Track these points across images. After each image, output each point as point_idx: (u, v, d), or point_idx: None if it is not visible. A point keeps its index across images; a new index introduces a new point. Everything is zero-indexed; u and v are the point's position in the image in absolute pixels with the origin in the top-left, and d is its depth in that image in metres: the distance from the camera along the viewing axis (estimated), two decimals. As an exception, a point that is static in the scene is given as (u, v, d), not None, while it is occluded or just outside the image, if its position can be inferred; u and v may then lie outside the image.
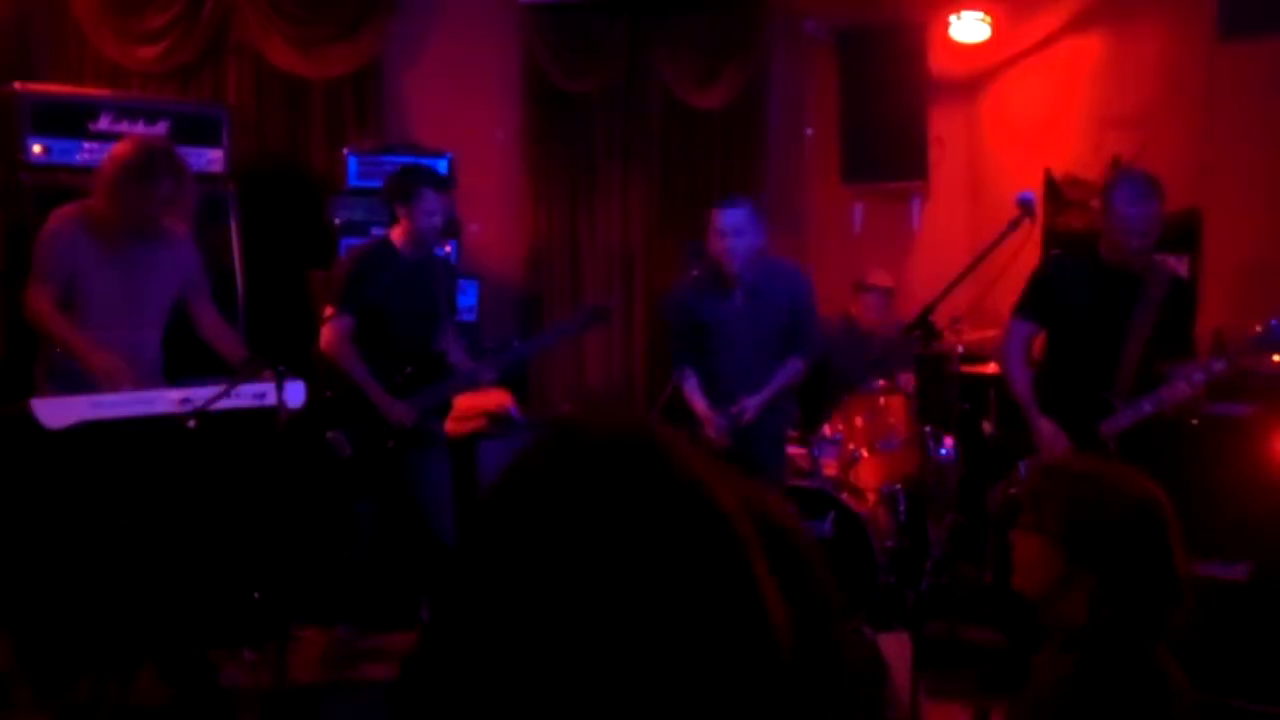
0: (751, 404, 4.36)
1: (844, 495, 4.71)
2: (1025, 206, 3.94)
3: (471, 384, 4.45)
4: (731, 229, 4.27)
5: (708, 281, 4.43)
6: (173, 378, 3.95)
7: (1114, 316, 3.95)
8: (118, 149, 3.83)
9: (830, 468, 4.96)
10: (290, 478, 4.42)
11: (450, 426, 4.73)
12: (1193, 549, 4.24)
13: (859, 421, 4.98)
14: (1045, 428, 4.03)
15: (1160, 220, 3.89)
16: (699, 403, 4.44)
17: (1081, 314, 4.05)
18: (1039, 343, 4.23)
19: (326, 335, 4.25)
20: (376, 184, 5.16)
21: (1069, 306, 4.07)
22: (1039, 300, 4.14)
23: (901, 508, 4.93)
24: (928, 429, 4.99)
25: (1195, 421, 4.40)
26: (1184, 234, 4.95)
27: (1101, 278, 3.99)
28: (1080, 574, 1.97)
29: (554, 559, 0.77)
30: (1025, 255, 4.22)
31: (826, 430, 5.05)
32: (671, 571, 0.77)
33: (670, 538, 0.77)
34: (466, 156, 5.54)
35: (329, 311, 4.28)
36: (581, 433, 0.84)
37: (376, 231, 4.85)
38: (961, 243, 6.27)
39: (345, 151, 5.23)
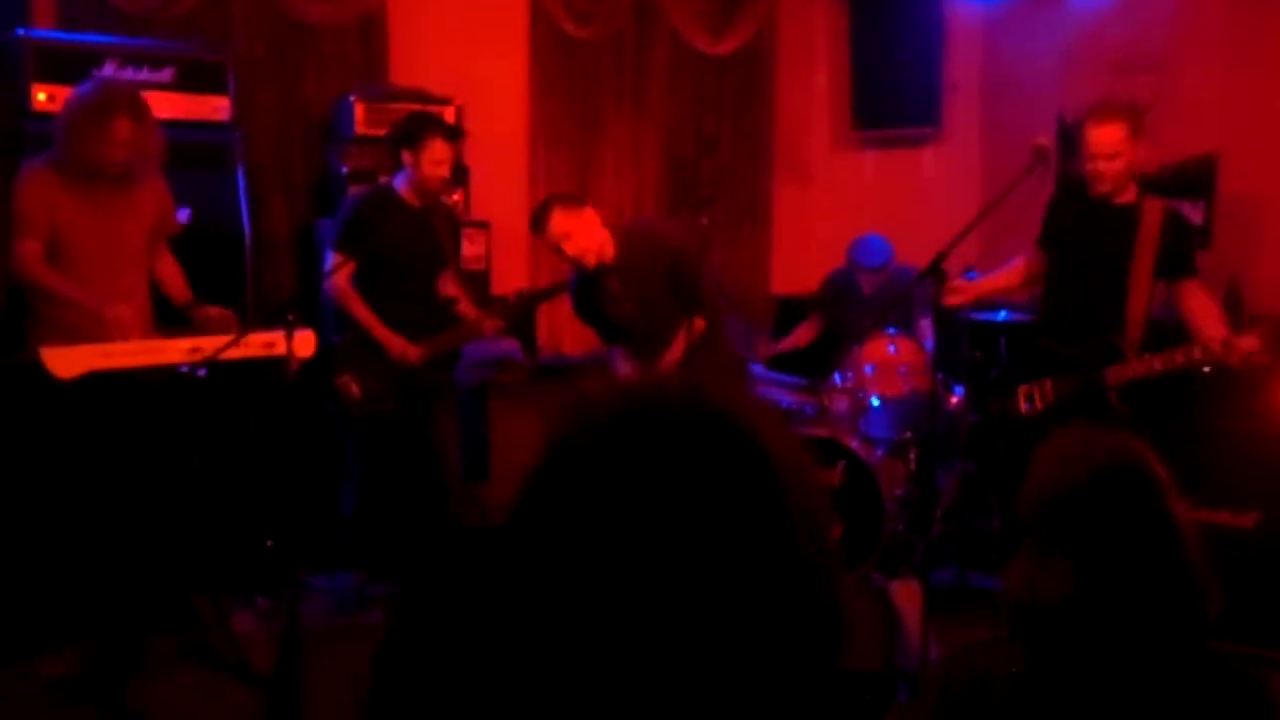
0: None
1: (854, 444, 4.70)
2: (1039, 154, 3.90)
3: (477, 333, 4.42)
4: (565, 234, 4.15)
5: (583, 282, 4.35)
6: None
7: (1112, 254, 3.89)
8: (74, 93, 3.81)
9: (841, 416, 4.95)
10: (300, 425, 4.43)
11: (461, 377, 4.73)
12: (1203, 497, 4.24)
13: (869, 369, 4.97)
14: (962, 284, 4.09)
15: (1127, 142, 3.78)
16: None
17: (1076, 250, 4.01)
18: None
19: (330, 279, 4.26)
20: (383, 131, 5.13)
21: (1063, 242, 4.05)
22: (1045, 229, 4.14)
23: (911, 456, 4.93)
24: (939, 377, 4.97)
25: (1207, 370, 4.38)
26: (1200, 179, 4.90)
27: (1094, 214, 3.95)
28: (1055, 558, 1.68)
29: (629, 519, 0.78)
30: (1039, 203, 4.19)
31: (837, 378, 5.03)
32: (743, 542, 0.78)
33: (745, 506, 0.79)
34: (474, 103, 5.49)
35: (335, 258, 4.27)
36: (656, 401, 0.84)
37: (384, 180, 4.83)
38: (974, 190, 6.22)
39: (351, 98, 5.18)
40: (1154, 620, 1.65)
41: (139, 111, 3.77)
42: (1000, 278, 4.27)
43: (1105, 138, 3.80)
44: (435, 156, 4.23)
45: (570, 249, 4.15)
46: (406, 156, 4.27)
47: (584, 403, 0.84)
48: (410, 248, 4.30)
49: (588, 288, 4.34)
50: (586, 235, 4.18)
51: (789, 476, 0.81)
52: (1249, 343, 3.64)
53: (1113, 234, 3.88)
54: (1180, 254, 3.87)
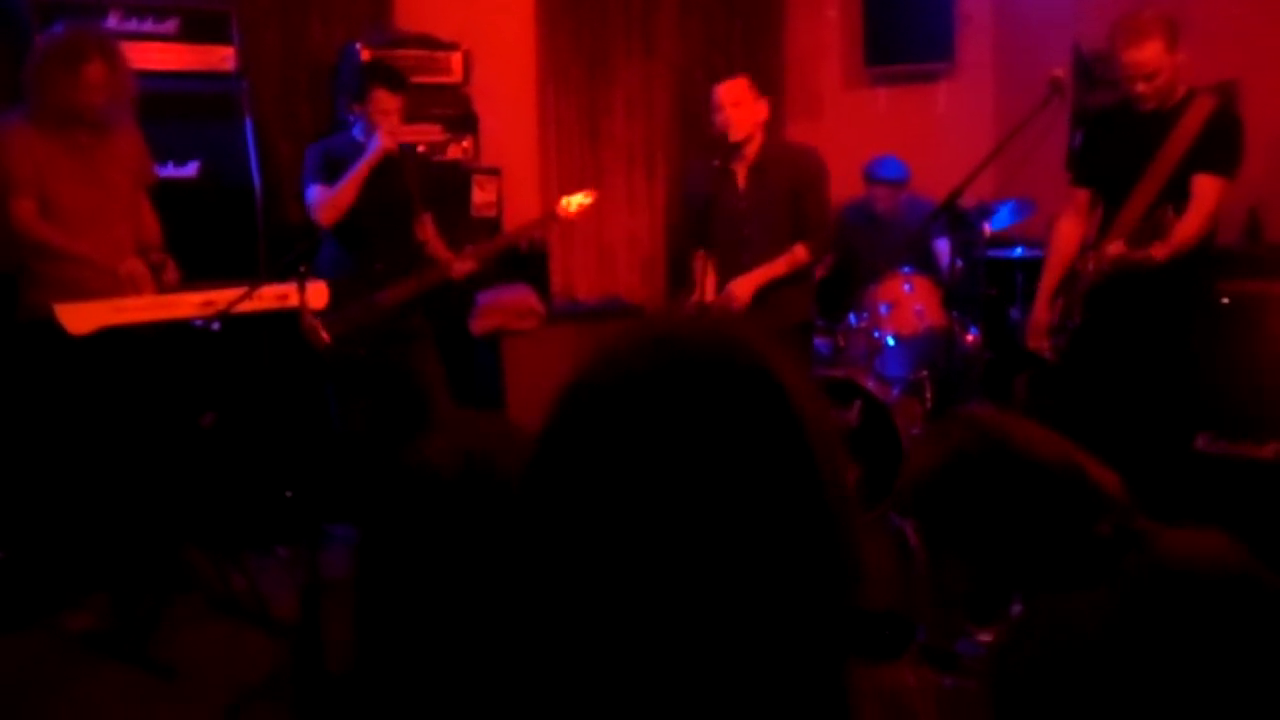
0: (740, 287, 4.31)
1: (870, 383, 4.69)
2: (1055, 86, 3.83)
3: (447, 275, 4.38)
4: (730, 100, 4.25)
5: (715, 161, 4.39)
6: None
7: (1133, 163, 3.73)
8: (44, 38, 3.76)
9: (856, 356, 4.93)
10: (313, 375, 4.43)
11: (475, 325, 4.72)
12: (1224, 428, 4.22)
13: (884, 309, 4.93)
14: (1034, 317, 3.95)
15: (1165, 55, 3.60)
16: (701, 282, 4.43)
17: (1107, 164, 3.86)
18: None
19: (312, 202, 4.28)
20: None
21: (1099, 161, 3.90)
22: (1079, 160, 4.00)
23: (928, 395, 4.91)
24: (954, 315, 4.94)
25: (1226, 300, 4.33)
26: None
27: (1131, 124, 3.77)
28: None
29: (655, 463, 0.78)
30: (1054, 137, 4.12)
31: (852, 318, 5.01)
32: (764, 486, 0.79)
33: (772, 456, 0.80)
34: (481, 48, 5.43)
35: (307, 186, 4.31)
36: (686, 342, 0.83)
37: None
38: (989, 126, 6.14)
39: (357, 45, 5.13)
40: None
41: (110, 53, 3.72)
42: (1062, 246, 3.98)
43: (1142, 58, 3.60)
44: (381, 107, 4.23)
45: (729, 113, 4.26)
46: (356, 108, 4.30)
47: (607, 345, 0.84)
48: (377, 193, 4.26)
49: (710, 175, 4.37)
50: (749, 114, 4.28)
51: (811, 422, 0.81)
52: (1114, 247, 3.54)
53: (1141, 143, 3.71)
54: (1207, 148, 3.62)
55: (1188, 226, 3.52)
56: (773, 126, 6.48)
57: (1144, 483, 3.76)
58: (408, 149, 4.42)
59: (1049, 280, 3.97)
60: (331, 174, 4.26)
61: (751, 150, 4.33)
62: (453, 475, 1.12)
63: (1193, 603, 1.31)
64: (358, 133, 4.34)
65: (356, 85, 4.32)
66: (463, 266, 4.37)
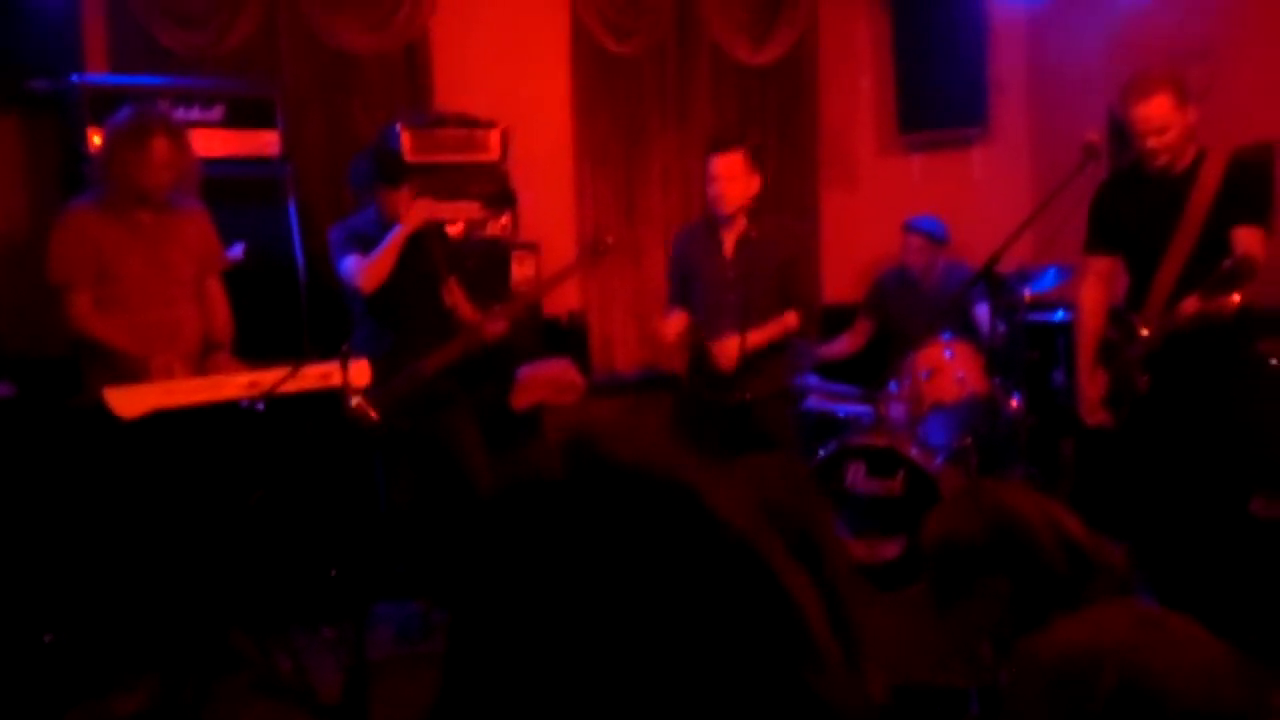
0: (728, 347, 4.31)
1: (913, 452, 4.65)
2: (1090, 150, 3.84)
3: (480, 337, 4.44)
4: (725, 174, 4.28)
5: (704, 229, 4.46)
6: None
7: (1159, 227, 3.70)
8: (111, 121, 3.88)
9: (898, 424, 4.90)
10: (358, 453, 4.46)
11: (516, 400, 4.75)
12: (1268, 490, 4.13)
13: (925, 375, 4.91)
14: (1084, 394, 3.91)
15: (1175, 111, 3.61)
16: (670, 328, 4.50)
17: (1131, 231, 3.85)
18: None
19: (345, 271, 4.38)
20: (431, 158, 5.18)
21: (1121, 226, 3.88)
22: (1096, 226, 3.99)
23: (972, 462, 4.86)
24: (996, 381, 4.90)
25: (1275, 361, 4.28)
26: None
27: (1147, 189, 3.77)
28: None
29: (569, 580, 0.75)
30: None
31: (893, 385, 4.99)
32: (707, 610, 0.75)
33: (711, 581, 0.76)
34: (519, 125, 5.52)
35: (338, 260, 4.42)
36: (614, 457, 0.81)
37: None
38: (1025, 191, 6.14)
39: (398, 126, 5.23)
40: None
41: (175, 132, 3.86)
42: (1091, 318, 3.99)
43: (1150, 112, 3.63)
44: (389, 201, 4.39)
45: (721, 187, 4.28)
46: (369, 200, 4.45)
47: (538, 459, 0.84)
48: (406, 265, 4.37)
49: (699, 241, 4.46)
50: (742, 190, 4.30)
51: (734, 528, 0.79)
52: (1190, 304, 3.47)
53: (1163, 206, 3.70)
54: (1236, 202, 3.60)
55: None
56: (802, 195, 6.56)
57: (1204, 546, 3.68)
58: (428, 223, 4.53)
59: (1086, 353, 3.95)
60: (361, 248, 4.36)
61: (741, 221, 4.38)
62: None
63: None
64: (373, 216, 4.44)
65: (361, 184, 4.47)
66: (494, 327, 4.44)
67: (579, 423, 0.98)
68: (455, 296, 4.58)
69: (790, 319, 4.43)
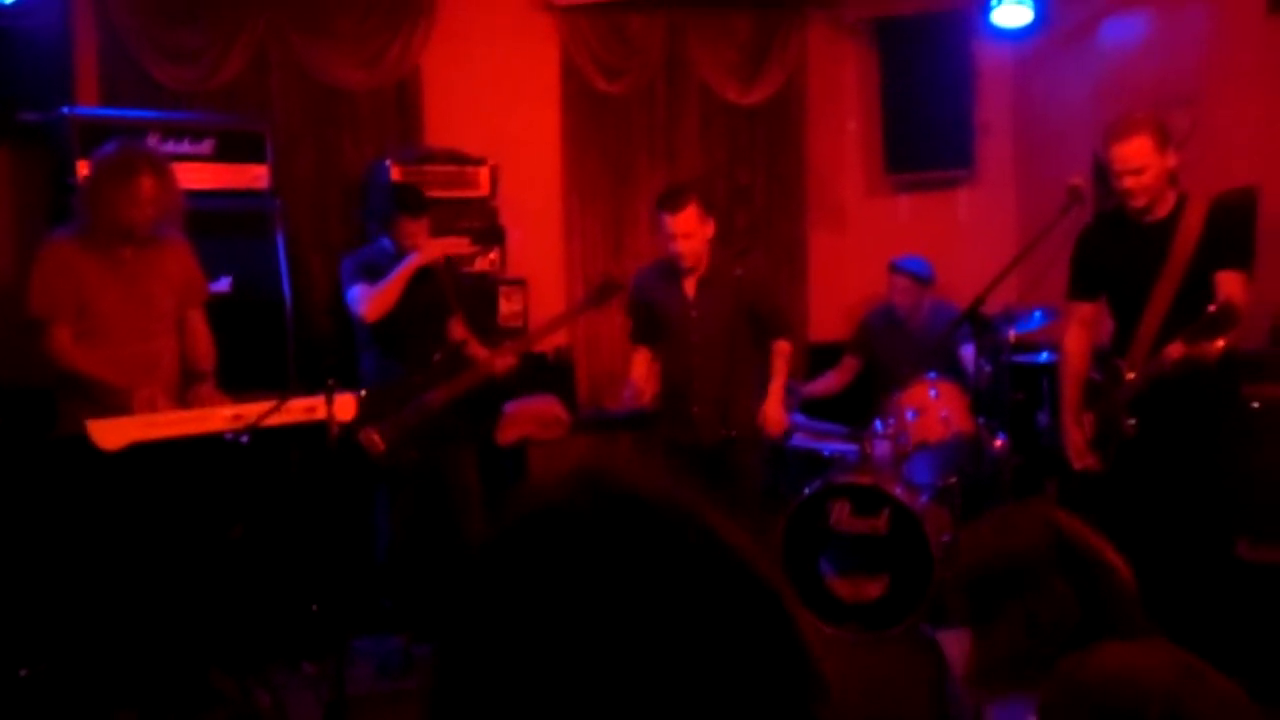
0: (775, 412, 4.47)
1: (898, 490, 4.66)
2: (1074, 194, 3.87)
3: (490, 372, 4.48)
4: (681, 232, 4.33)
5: (665, 270, 4.52)
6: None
7: (1143, 273, 3.73)
8: (96, 156, 3.89)
9: (883, 463, 4.91)
10: (341, 488, 4.45)
11: (501, 435, 4.75)
12: (1262, 533, 4.15)
13: (911, 415, 4.92)
14: (1070, 439, 3.93)
15: (1154, 154, 3.64)
16: (631, 374, 4.56)
17: (1115, 277, 3.88)
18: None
19: (354, 302, 4.42)
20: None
21: (1105, 272, 3.91)
22: (1079, 273, 4.02)
23: (957, 501, 4.87)
24: (981, 420, 4.92)
25: (1258, 405, 4.30)
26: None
27: (1129, 235, 3.80)
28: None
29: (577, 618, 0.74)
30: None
31: (878, 424, 4.99)
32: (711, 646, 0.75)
33: (717, 615, 0.76)
34: (508, 162, 5.55)
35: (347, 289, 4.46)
36: (620, 488, 0.81)
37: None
38: (1010, 232, 6.19)
39: (387, 162, 5.25)
40: None
41: (160, 169, 3.84)
42: (1076, 363, 4.02)
43: (1128, 153, 3.67)
44: (407, 231, 4.43)
45: (680, 245, 4.34)
46: (386, 232, 4.49)
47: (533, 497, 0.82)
48: (414, 297, 4.41)
49: (662, 283, 4.51)
50: (698, 243, 4.36)
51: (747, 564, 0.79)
52: (1174, 349, 3.49)
53: (1146, 252, 3.73)
54: (1219, 247, 3.64)
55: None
56: (790, 235, 6.60)
57: (1190, 589, 3.68)
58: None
59: (1071, 399, 3.98)
60: (371, 278, 4.39)
61: (701, 266, 4.45)
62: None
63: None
64: (388, 244, 4.47)
65: (382, 213, 4.51)
66: (504, 362, 4.48)
67: (590, 457, 0.97)
68: (462, 331, 4.62)
69: (784, 347, 4.53)
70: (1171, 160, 3.70)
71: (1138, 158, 3.66)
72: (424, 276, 4.42)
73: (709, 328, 4.44)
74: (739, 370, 4.50)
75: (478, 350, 4.56)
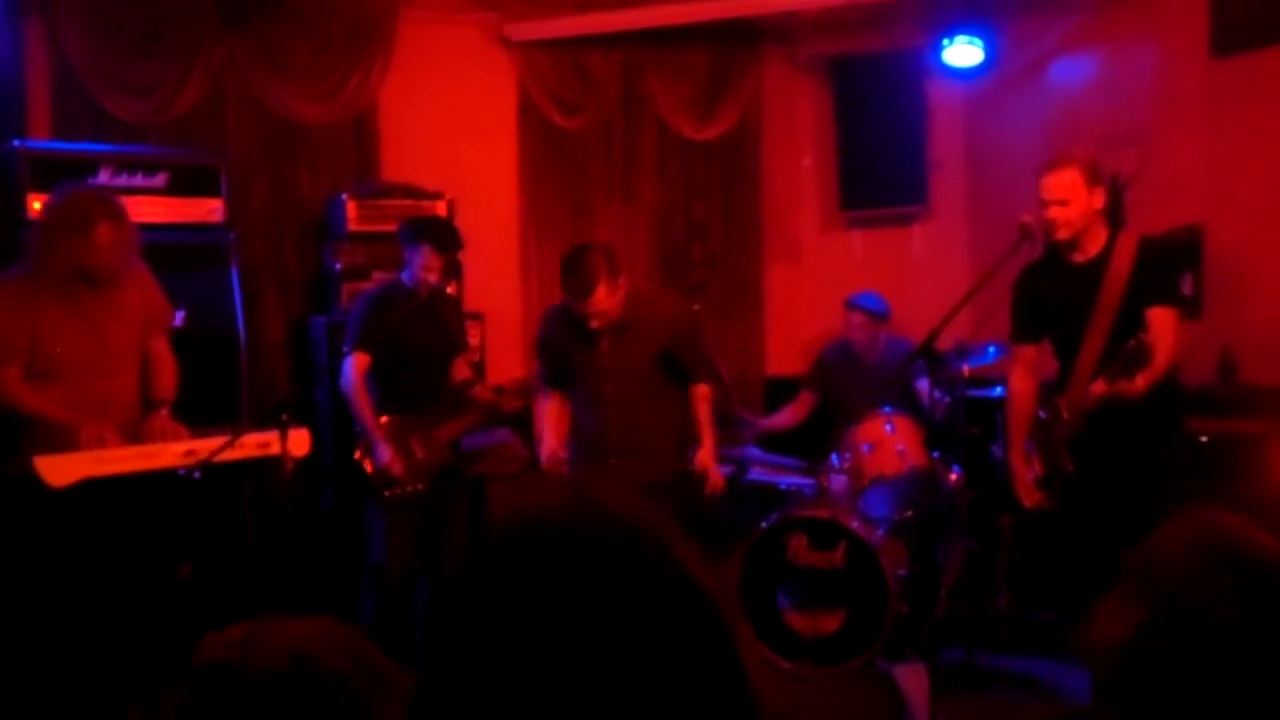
0: (711, 466, 4.29)
1: (854, 524, 4.67)
2: (1025, 231, 3.93)
3: (498, 412, 4.54)
4: (596, 310, 4.02)
5: (575, 315, 4.13)
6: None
7: (1077, 312, 3.80)
8: (49, 204, 3.82)
9: (840, 497, 4.93)
10: (297, 525, 4.40)
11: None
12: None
13: (866, 449, 4.95)
14: (1018, 477, 3.96)
15: (1081, 188, 3.71)
16: (545, 431, 4.38)
17: (1052, 317, 3.95)
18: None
19: (344, 373, 4.35)
20: (376, 228, 5.20)
21: (1043, 312, 3.97)
22: (1019, 316, 4.09)
23: (913, 535, 4.89)
24: (936, 454, 4.95)
25: (1205, 439, 4.37)
26: (1187, 250, 4.94)
27: (1063, 275, 3.87)
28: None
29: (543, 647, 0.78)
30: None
31: (834, 458, 5.02)
32: (661, 664, 0.78)
33: (663, 632, 0.80)
34: (465, 197, 5.55)
35: (345, 351, 4.38)
36: (572, 524, 0.84)
37: (378, 276, 4.96)
38: (964, 267, 6.26)
39: (344, 196, 5.24)
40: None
41: (116, 214, 3.74)
42: (1021, 404, 4.04)
43: (1054, 183, 3.74)
44: (425, 263, 4.34)
45: (596, 321, 4.06)
46: (406, 254, 4.41)
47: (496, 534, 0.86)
48: (422, 336, 4.41)
49: (570, 325, 4.20)
50: (613, 306, 4.06)
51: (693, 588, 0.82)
52: (1096, 387, 3.53)
53: (1079, 291, 3.79)
54: (1148, 282, 3.71)
55: (1159, 357, 3.57)
56: (746, 270, 6.63)
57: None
58: (443, 293, 4.57)
59: (1017, 437, 4.03)
60: (371, 332, 4.29)
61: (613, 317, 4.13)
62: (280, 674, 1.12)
63: None
64: (405, 276, 4.42)
65: (408, 235, 4.43)
66: (512, 403, 4.55)
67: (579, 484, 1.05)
68: (466, 371, 4.64)
69: (704, 391, 4.30)
70: (1099, 200, 3.79)
71: (1063, 190, 3.74)
72: (431, 313, 4.40)
73: (623, 379, 4.18)
74: (658, 419, 4.25)
75: (484, 391, 4.60)
